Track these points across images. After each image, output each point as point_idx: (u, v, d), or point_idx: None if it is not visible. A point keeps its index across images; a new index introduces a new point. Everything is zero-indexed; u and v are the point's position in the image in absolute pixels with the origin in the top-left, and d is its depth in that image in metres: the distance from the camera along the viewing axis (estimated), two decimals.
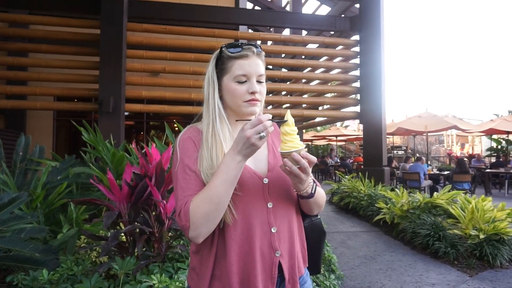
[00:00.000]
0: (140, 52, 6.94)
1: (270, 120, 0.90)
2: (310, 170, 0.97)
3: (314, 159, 0.97)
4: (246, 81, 1.03)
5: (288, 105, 10.34)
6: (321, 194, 1.11)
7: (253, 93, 1.02)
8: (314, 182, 1.06)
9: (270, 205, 1.03)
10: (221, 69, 1.05)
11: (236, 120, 1.06)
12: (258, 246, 1.00)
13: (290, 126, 0.95)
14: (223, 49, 1.05)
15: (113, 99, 6.22)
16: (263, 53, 1.08)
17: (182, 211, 0.95)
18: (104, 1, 6.46)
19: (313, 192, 1.04)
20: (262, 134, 0.88)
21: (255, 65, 1.03)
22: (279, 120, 0.95)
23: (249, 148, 0.90)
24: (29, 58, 7.66)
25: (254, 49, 1.04)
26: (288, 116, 0.97)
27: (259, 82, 1.05)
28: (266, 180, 1.05)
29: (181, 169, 1.00)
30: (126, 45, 6.72)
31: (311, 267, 1.17)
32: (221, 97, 1.07)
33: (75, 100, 8.59)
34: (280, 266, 1.02)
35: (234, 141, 0.93)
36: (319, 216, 1.21)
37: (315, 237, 1.17)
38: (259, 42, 8.73)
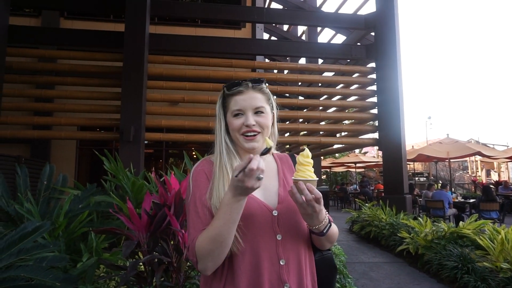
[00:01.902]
0: (160, 83, 7.17)
1: (260, 155, 0.92)
2: (315, 204, 0.96)
3: (319, 194, 0.96)
4: (242, 114, 1.08)
5: (305, 132, 10.35)
6: (334, 232, 1.10)
7: (247, 126, 1.06)
8: (330, 222, 1.06)
9: (279, 237, 1.04)
10: (224, 107, 1.13)
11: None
12: (267, 278, 1.00)
13: (305, 157, 0.99)
14: (224, 88, 1.13)
15: (133, 128, 6.38)
16: (263, 86, 1.13)
17: (190, 247, 0.99)
18: (127, 36, 6.78)
19: (324, 231, 1.04)
20: (259, 176, 0.90)
21: (249, 99, 1.08)
22: (265, 151, 0.95)
23: (248, 191, 0.92)
24: (56, 90, 8.02)
25: (250, 84, 1.10)
26: (306, 149, 1.01)
27: (258, 113, 1.09)
28: (275, 212, 1.06)
29: (193, 203, 1.04)
30: (147, 76, 6.97)
31: None
32: (229, 133, 1.13)
33: (98, 129, 8.86)
34: None
35: (232, 185, 0.92)
36: (330, 251, 1.20)
37: (325, 272, 1.16)
38: (275, 71, 8.90)
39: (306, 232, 1.10)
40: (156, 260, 2.32)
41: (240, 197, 0.93)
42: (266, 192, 1.09)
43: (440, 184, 9.29)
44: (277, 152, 1.24)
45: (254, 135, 1.07)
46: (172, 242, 2.37)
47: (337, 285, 3.00)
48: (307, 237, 1.11)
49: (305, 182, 0.96)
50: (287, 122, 10.94)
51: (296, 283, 1.03)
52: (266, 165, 1.15)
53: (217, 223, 0.94)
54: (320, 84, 8.88)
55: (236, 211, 0.94)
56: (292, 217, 1.07)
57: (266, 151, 0.96)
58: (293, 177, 0.99)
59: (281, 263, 1.02)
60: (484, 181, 19.74)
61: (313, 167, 1.00)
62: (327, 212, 1.05)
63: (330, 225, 1.06)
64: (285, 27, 12.81)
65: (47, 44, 7.79)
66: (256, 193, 1.06)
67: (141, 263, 2.35)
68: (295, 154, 1.26)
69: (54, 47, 8.18)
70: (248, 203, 1.02)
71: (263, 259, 1.01)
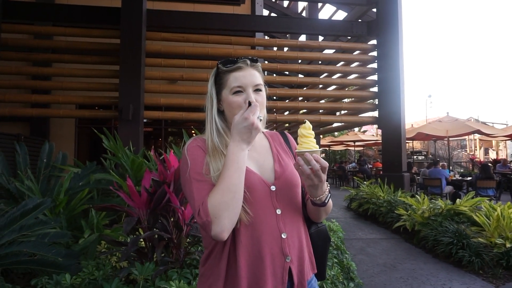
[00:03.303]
0: (158, 60, 7.07)
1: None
2: (321, 173, 0.98)
3: (325, 164, 0.99)
4: (242, 92, 1.06)
5: (305, 110, 10.30)
6: (331, 203, 1.14)
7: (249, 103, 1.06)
8: (329, 192, 1.09)
9: (278, 211, 1.06)
10: (219, 84, 1.11)
11: None
12: (269, 252, 1.02)
13: (307, 129, 1.01)
14: (219, 65, 1.10)
15: (132, 107, 6.35)
16: (259, 65, 1.12)
17: (201, 209, 0.95)
18: (123, 11, 6.63)
19: (325, 201, 1.07)
20: (260, 116, 0.97)
21: (249, 75, 1.07)
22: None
23: (253, 133, 0.96)
24: (53, 67, 7.92)
25: (248, 61, 1.09)
26: (307, 122, 1.03)
27: (257, 91, 1.08)
28: (273, 188, 1.07)
29: (193, 174, 1.02)
30: (145, 54, 6.86)
31: (317, 273, 1.18)
32: (223, 112, 1.12)
33: (96, 107, 8.81)
34: (290, 272, 1.04)
35: (235, 132, 0.97)
36: (324, 223, 1.24)
37: (321, 244, 1.20)
38: (275, 48, 8.78)
39: (300, 206, 1.14)
40: (156, 236, 2.36)
41: (243, 145, 0.96)
42: (262, 168, 1.10)
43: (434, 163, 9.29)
44: (266, 130, 1.25)
45: None
46: (172, 219, 2.40)
47: (335, 260, 3.06)
48: (301, 211, 1.15)
49: (310, 153, 0.98)
50: (287, 100, 10.87)
51: (297, 256, 1.07)
52: (258, 142, 1.16)
53: (227, 173, 0.95)
54: (320, 62, 8.77)
55: (242, 160, 0.96)
56: (289, 192, 1.09)
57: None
58: (297, 150, 1.01)
59: (283, 237, 1.04)
60: (482, 159, 19.83)
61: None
62: (328, 184, 1.07)
63: (330, 195, 1.09)
64: (285, 3, 12.54)
65: (42, 20, 7.62)
66: (253, 169, 1.08)
67: (141, 239, 2.39)
68: (285, 132, 1.27)
69: (49, 23, 8.01)
70: (249, 177, 1.03)
71: (264, 233, 1.02)
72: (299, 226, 1.10)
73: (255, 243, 1.02)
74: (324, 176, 0.99)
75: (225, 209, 0.93)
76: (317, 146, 1.00)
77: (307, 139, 1.00)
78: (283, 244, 1.03)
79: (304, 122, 1.03)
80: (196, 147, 1.07)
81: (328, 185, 1.08)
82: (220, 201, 0.93)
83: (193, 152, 1.06)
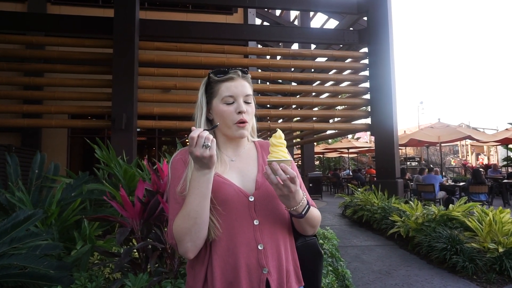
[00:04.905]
0: (151, 70, 7.08)
1: (206, 130, 0.96)
2: (289, 184, 0.96)
3: (293, 174, 0.96)
4: (233, 102, 1.08)
5: (298, 118, 10.35)
6: (314, 215, 1.10)
7: (240, 112, 1.07)
8: (308, 203, 1.06)
9: (256, 222, 1.05)
10: (210, 93, 1.12)
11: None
12: (244, 263, 1.01)
13: (277, 138, 1.01)
14: (211, 74, 1.12)
15: (125, 116, 6.33)
16: (249, 76, 1.14)
17: (169, 231, 1.01)
18: (116, 21, 6.65)
19: (303, 213, 1.03)
20: (205, 144, 0.92)
21: (240, 86, 1.09)
22: (212, 127, 1.04)
23: (205, 161, 0.94)
24: (45, 77, 7.89)
25: (239, 72, 1.10)
26: (278, 131, 1.04)
27: (246, 102, 1.10)
28: (252, 198, 1.06)
29: (172, 192, 1.06)
30: (138, 63, 6.87)
31: None
32: (212, 121, 1.13)
33: (89, 117, 8.77)
34: (268, 284, 1.02)
35: (193, 161, 0.97)
36: (315, 237, 1.19)
37: (309, 258, 1.15)
38: (268, 57, 8.84)
39: (285, 217, 1.11)
40: (150, 246, 2.33)
41: (203, 170, 0.95)
42: (244, 178, 1.10)
43: (427, 169, 9.39)
44: (259, 139, 1.24)
45: (244, 122, 1.08)
46: (165, 229, 2.39)
47: (330, 268, 3.05)
48: (287, 223, 1.12)
49: (278, 163, 0.96)
50: (280, 109, 10.92)
51: (276, 268, 1.04)
52: (246, 152, 1.16)
53: (188, 199, 0.97)
54: (312, 70, 8.84)
55: (205, 185, 0.96)
56: (269, 203, 1.07)
57: (214, 127, 1.04)
58: (267, 159, 1.00)
59: (260, 248, 1.02)
60: (474, 165, 20.05)
61: (287, 147, 1.02)
62: (304, 194, 1.05)
63: (309, 207, 1.05)
64: (278, 12, 12.66)
65: (34, 31, 7.60)
66: (233, 179, 1.07)
67: (135, 250, 2.37)
68: None
69: (41, 34, 8.00)
70: (224, 189, 1.04)
71: (240, 244, 1.02)
72: (279, 237, 1.07)
73: (231, 254, 1.01)
74: (293, 187, 0.97)
75: (186, 234, 0.97)
76: (287, 156, 0.99)
77: (277, 148, 0.99)
78: (259, 256, 1.02)
79: (276, 131, 1.03)
80: (179, 161, 1.09)
81: (305, 194, 1.05)
82: (182, 227, 0.97)
83: (175, 167, 1.09)
